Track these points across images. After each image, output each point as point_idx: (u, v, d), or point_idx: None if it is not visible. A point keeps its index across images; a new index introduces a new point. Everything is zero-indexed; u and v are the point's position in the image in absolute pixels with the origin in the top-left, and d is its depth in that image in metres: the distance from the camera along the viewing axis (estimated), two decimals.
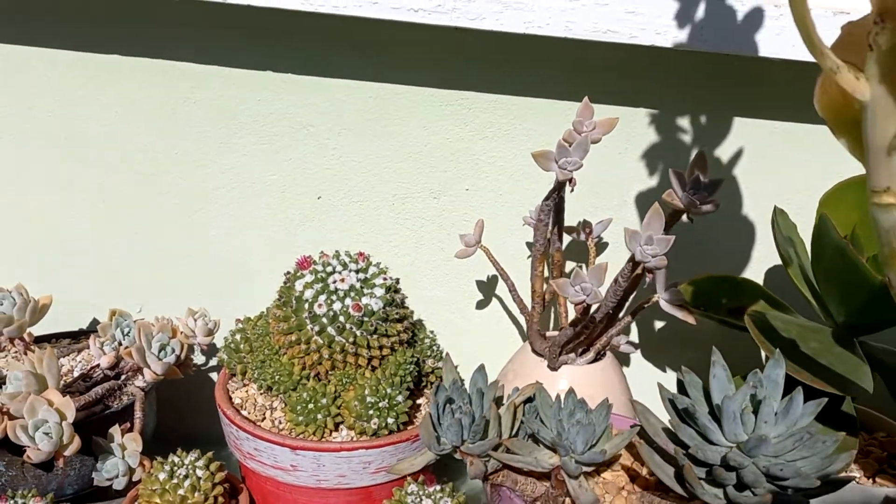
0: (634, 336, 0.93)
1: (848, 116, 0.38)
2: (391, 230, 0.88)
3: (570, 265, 0.89)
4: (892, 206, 0.38)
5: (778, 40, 0.73)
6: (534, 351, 0.77)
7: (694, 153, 0.85)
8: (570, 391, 0.53)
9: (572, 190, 0.64)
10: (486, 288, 0.91)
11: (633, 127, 0.84)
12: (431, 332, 0.80)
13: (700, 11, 0.72)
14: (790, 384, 0.50)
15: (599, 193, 0.86)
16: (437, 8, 0.72)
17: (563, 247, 0.76)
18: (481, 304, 0.92)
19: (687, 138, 0.84)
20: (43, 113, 0.83)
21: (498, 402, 0.57)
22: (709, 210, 0.62)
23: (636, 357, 0.94)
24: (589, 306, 0.66)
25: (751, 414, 0.47)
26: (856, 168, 0.71)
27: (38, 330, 0.83)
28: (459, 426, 0.51)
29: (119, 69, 0.81)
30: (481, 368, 0.55)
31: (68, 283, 0.89)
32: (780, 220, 0.69)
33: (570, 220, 0.79)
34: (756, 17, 0.73)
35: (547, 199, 0.68)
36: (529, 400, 0.57)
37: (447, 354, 0.60)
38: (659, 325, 0.92)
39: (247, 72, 0.81)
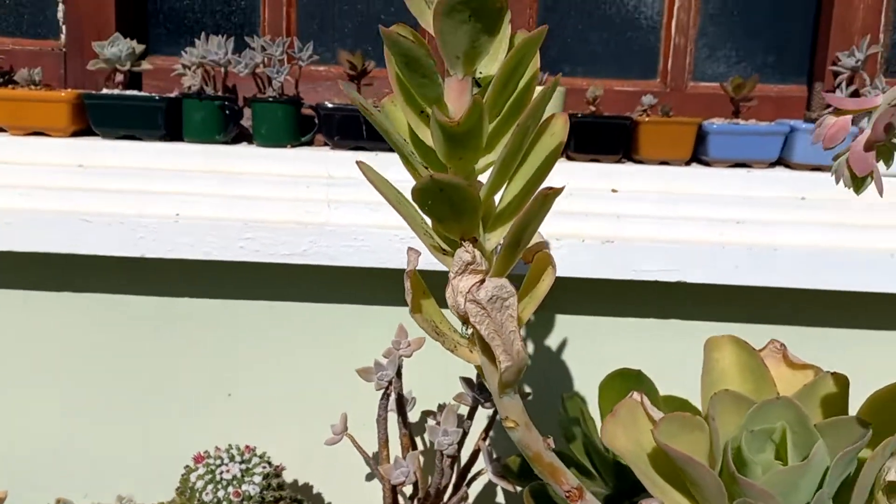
0: (501, 498, 1.10)
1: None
2: (288, 420, 1.07)
3: None
4: (513, 428, 0.58)
5: (560, 264, 0.95)
6: None
7: (528, 346, 1.05)
8: None
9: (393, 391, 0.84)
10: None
11: None
12: None
13: None
14: None
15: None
16: (304, 252, 0.95)
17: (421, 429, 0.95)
18: (370, 477, 1.09)
19: (521, 332, 1.05)
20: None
21: None
22: (490, 407, 0.81)
23: None
24: (416, 484, 0.85)
25: None
26: (623, 361, 0.92)
27: None
28: None
29: (63, 304, 1.04)
30: None
31: (35, 474, 1.08)
32: (566, 403, 0.89)
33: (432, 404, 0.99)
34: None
35: (381, 399, 0.87)
36: None
37: None
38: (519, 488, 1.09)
39: (172, 299, 1.04)
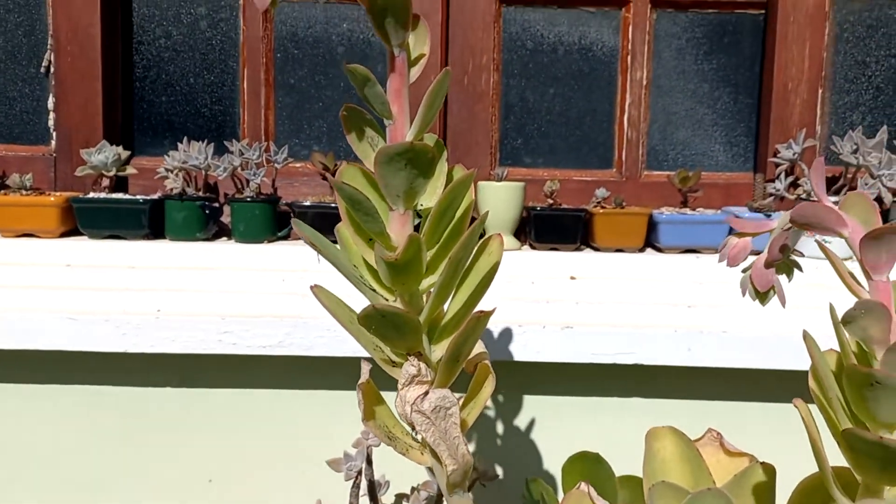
0: None
1: None
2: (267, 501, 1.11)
3: None
4: None
5: (525, 350, 1.00)
6: None
7: (498, 427, 1.10)
8: None
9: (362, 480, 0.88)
10: None
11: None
12: None
13: None
14: None
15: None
16: (280, 343, 1.01)
17: None
18: None
19: (491, 413, 1.10)
20: None
21: None
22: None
23: None
24: None
25: None
26: (589, 439, 0.96)
27: None
28: None
29: (50, 396, 1.08)
30: None
31: None
32: (530, 486, 0.93)
33: (405, 486, 1.03)
34: (507, 333, 1.01)
35: (352, 488, 0.91)
36: None
37: None
38: None
39: (154, 389, 1.08)
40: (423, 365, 0.57)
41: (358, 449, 0.88)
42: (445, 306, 0.61)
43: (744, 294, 0.59)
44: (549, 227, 1.07)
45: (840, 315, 0.51)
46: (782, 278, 0.59)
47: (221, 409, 1.09)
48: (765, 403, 1.06)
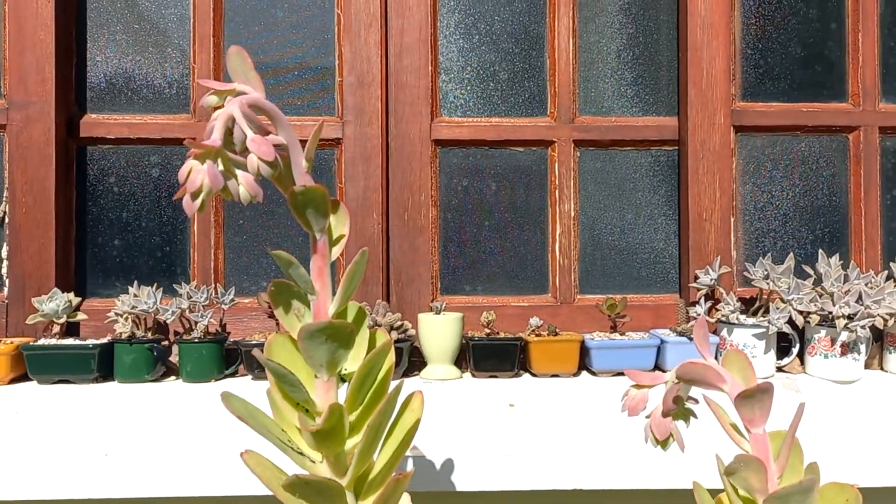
0: None
1: None
2: None
3: None
4: None
5: (467, 479, 1.03)
6: None
7: None
8: None
9: None
10: None
11: None
12: None
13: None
14: None
15: None
16: (228, 483, 1.02)
17: None
18: None
19: None
20: None
21: None
22: None
23: None
24: None
25: None
26: None
27: None
28: None
29: None
30: None
31: None
32: None
33: None
34: (449, 464, 1.04)
35: None
36: None
37: None
38: None
39: None
40: None
41: None
42: (375, 455, 0.65)
43: (646, 441, 0.64)
44: (488, 356, 1.12)
45: (725, 466, 0.56)
46: (681, 424, 0.64)
47: None
48: None
